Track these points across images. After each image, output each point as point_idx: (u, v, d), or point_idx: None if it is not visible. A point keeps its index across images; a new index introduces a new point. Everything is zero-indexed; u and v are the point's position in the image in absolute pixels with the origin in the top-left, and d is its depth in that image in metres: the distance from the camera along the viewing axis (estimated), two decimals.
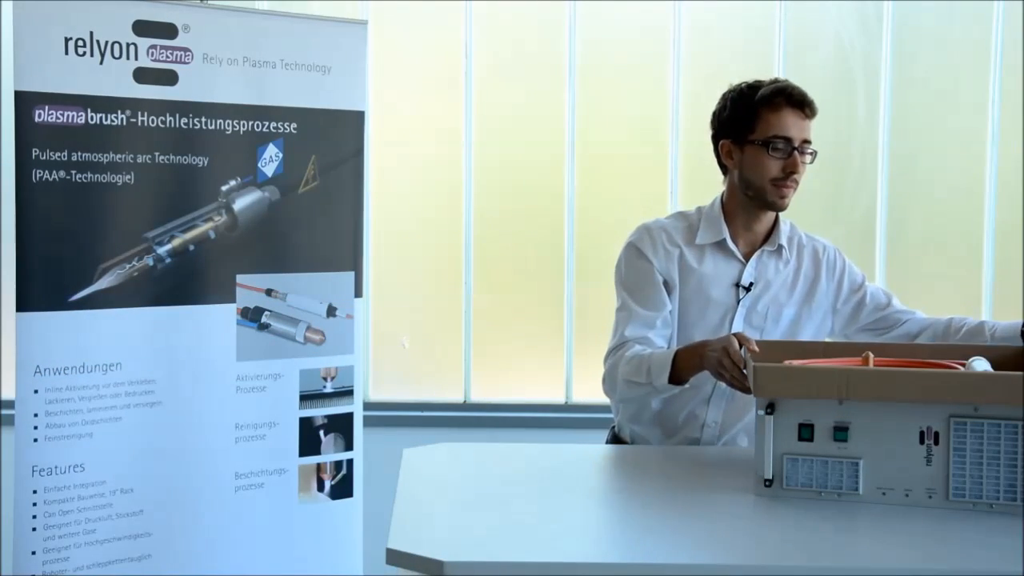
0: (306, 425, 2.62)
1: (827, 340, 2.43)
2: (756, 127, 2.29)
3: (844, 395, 1.83)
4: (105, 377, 2.36)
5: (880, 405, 1.83)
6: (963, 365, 1.98)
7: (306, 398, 2.61)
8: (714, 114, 2.40)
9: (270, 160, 2.53)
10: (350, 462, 2.68)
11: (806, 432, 1.86)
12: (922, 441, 1.82)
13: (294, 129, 2.55)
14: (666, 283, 2.36)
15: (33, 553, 2.31)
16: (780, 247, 2.39)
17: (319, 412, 2.64)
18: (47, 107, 2.27)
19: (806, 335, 2.40)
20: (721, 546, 1.74)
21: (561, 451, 2.33)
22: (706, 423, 2.36)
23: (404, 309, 3.61)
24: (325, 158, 2.59)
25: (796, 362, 1.99)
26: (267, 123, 2.52)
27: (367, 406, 2.80)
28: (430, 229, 3.61)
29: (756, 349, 2.07)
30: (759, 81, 2.35)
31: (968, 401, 1.79)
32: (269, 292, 2.55)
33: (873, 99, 3.52)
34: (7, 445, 2.41)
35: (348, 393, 2.67)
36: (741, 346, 2.08)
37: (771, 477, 1.87)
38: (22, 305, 2.28)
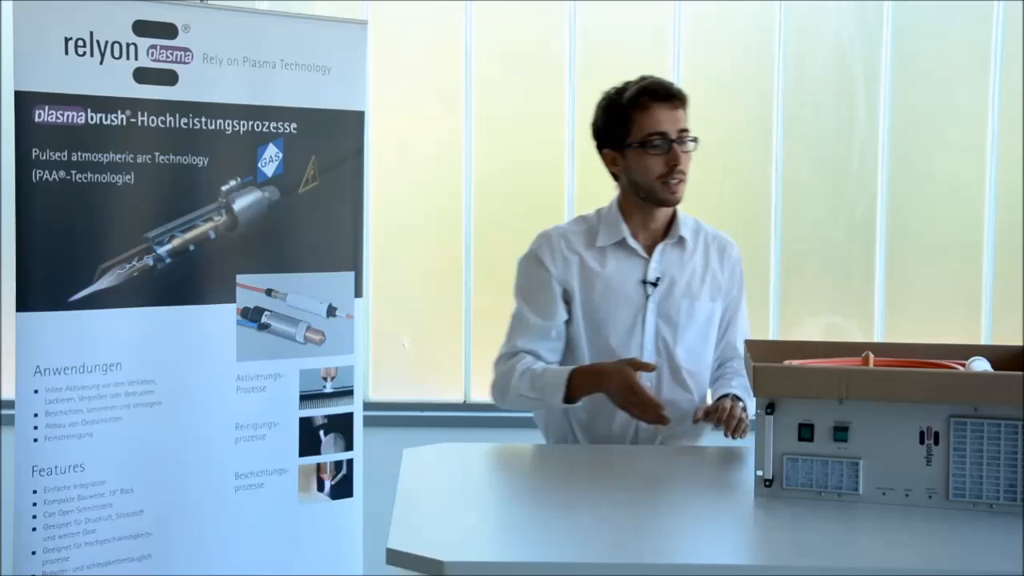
0: (306, 425, 2.62)
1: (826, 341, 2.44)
2: (631, 130, 2.31)
3: (844, 395, 1.83)
4: (105, 377, 2.36)
5: (880, 405, 1.83)
6: (963, 365, 1.98)
7: (306, 398, 2.61)
8: (591, 125, 2.43)
9: (270, 160, 2.53)
10: (350, 462, 2.68)
11: (806, 432, 1.86)
12: (922, 441, 1.82)
13: (294, 129, 2.55)
14: (565, 292, 2.38)
15: (33, 553, 2.30)
16: (681, 239, 2.40)
17: (319, 412, 2.64)
18: (47, 107, 2.27)
19: (714, 331, 2.43)
20: (721, 546, 1.74)
21: (561, 451, 2.33)
22: (639, 428, 2.36)
23: (404, 309, 3.61)
24: (325, 158, 2.59)
25: (796, 362, 1.99)
26: (267, 123, 2.52)
27: (367, 406, 2.80)
28: (430, 229, 3.61)
29: (654, 367, 2.13)
30: (626, 83, 2.37)
31: (968, 401, 1.79)
32: (269, 292, 2.55)
33: (873, 99, 3.52)
34: (7, 445, 2.41)
35: (348, 393, 2.67)
36: (638, 368, 2.13)
37: (771, 477, 1.87)
38: (22, 305, 2.28)
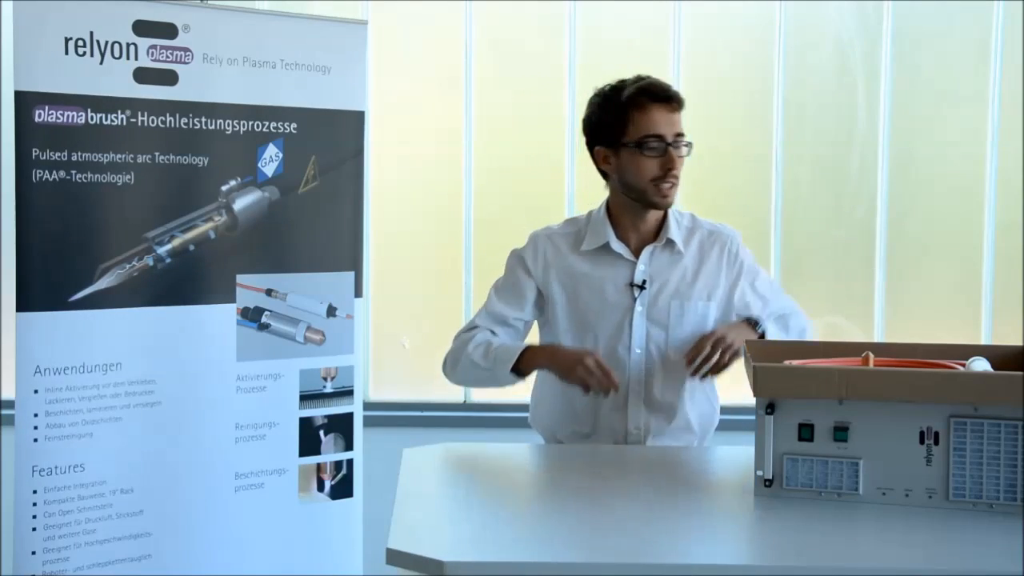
0: (306, 425, 2.62)
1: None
2: (627, 129, 2.30)
3: (844, 395, 1.83)
4: (105, 377, 2.36)
5: (880, 405, 1.83)
6: (963, 365, 1.98)
7: (306, 398, 2.61)
8: (584, 121, 2.41)
9: (270, 160, 2.53)
10: (350, 462, 2.68)
11: (806, 432, 1.86)
12: (922, 441, 1.82)
13: (294, 129, 2.55)
14: (541, 295, 2.39)
15: (33, 553, 2.31)
16: (670, 241, 2.38)
17: (319, 412, 2.64)
18: (47, 107, 2.27)
19: (710, 322, 2.38)
20: (721, 546, 1.74)
21: (561, 451, 2.33)
22: (628, 431, 2.36)
23: (404, 309, 3.61)
24: (325, 158, 2.59)
25: (796, 362, 1.99)
26: (267, 123, 2.52)
27: (367, 406, 2.80)
28: (430, 229, 3.61)
29: (616, 386, 2.20)
30: (622, 81, 2.35)
31: (968, 401, 1.79)
32: (269, 292, 2.55)
33: (873, 99, 3.52)
34: (7, 445, 2.41)
35: (348, 393, 2.67)
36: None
37: (771, 477, 1.87)
38: (22, 305, 2.28)
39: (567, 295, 2.37)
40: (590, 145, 2.40)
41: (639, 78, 2.34)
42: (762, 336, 2.30)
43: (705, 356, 2.23)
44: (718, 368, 2.24)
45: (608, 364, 2.25)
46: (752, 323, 2.33)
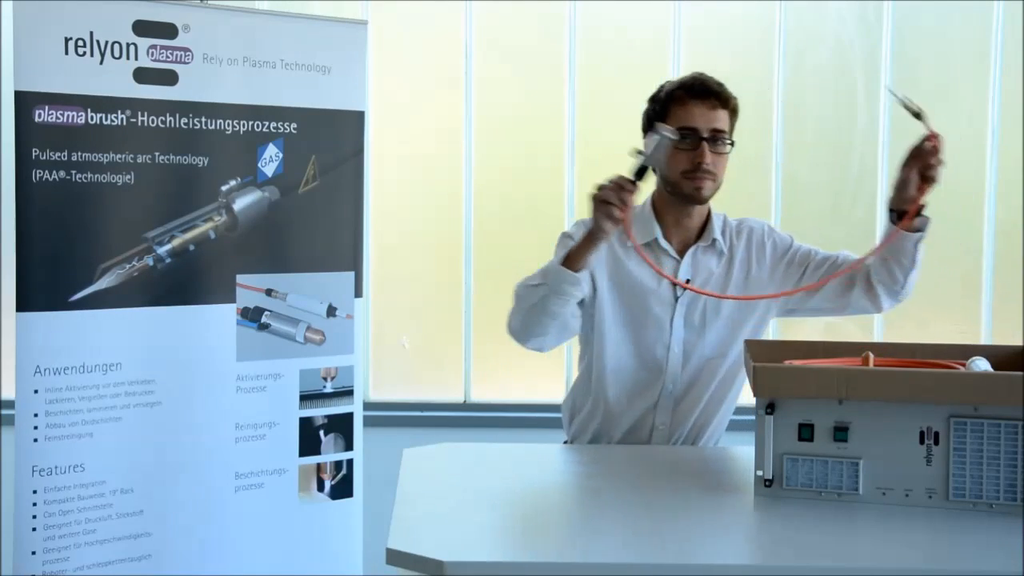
0: (306, 425, 2.62)
1: (824, 340, 2.43)
2: (666, 123, 2.28)
3: (844, 395, 1.83)
4: (105, 377, 2.36)
5: (880, 405, 1.83)
6: (963, 365, 1.98)
7: (306, 398, 2.61)
8: (642, 115, 2.41)
9: (270, 160, 2.53)
10: (350, 462, 2.68)
11: (806, 432, 1.86)
12: (922, 441, 1.82)
13: (294, 129, 2.55)
14: (592, 277, 2.34)
15: (33, 553, 2.30)
16: (714, 240, 2.38)
17: (319, 412, 2.64)
18: (47, 107, 2.27)
19: (750, 324, 2.38)
20: (721, 546, 1.74)
21: (561, 451, 2.33)
22: (655, 427, 2.37)
23: (404, 309, 3.61)
24: (325, 158, 2.59)
25: (796, 362, 1.99)
26: (267, 123, 2.52)
27: (367, 406, 2.80)
28: (430, 229, 3.61)
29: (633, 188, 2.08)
30: (680, 80, 2.37)
31: (968, 401, 1.79)
32: (269, 292, 2.55)
33: (873, 99, 3.52)
34: (7, 445, 2.41)
35: (348, 393, 2.67)
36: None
37: (771, 477, 1.87)
38: (22, 305, 2.28)
39: (612, 284, 2.36)
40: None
41: (693, 75, 2.35)
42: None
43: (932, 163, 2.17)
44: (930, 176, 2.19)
45: (646, 360, 2.32)
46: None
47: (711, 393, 2.38)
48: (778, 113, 3.50)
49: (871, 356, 1.97)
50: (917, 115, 2.08)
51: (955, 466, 1.80)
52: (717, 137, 2.30)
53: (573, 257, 2.18)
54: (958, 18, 3.52)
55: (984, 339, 3.51)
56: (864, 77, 3.53)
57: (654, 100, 2.37)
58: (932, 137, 2.12)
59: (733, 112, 2.35)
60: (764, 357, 2.02)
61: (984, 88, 3.51)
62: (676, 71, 3.47)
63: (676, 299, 2.36)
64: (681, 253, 2.38)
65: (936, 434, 1.81)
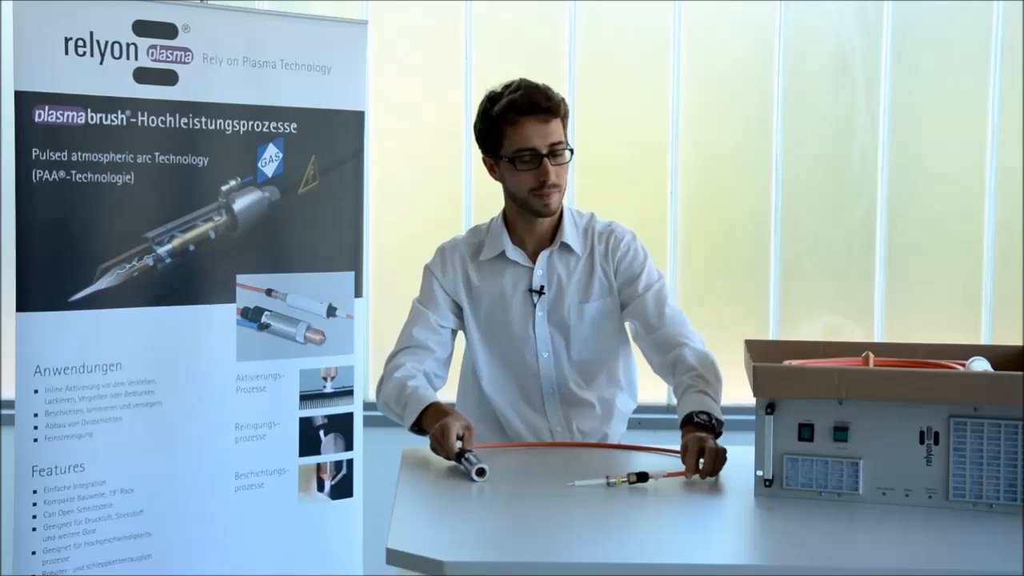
0: (306, 425, 2.62)
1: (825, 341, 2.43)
2: (502, 143, 2.29)
3: (844, 395, 1.83)
4: (105, 377, 2.36)
5: (880, 405, 1.83)
6: (963, 365, 1.98)
7: (306, 398, 2.61)
8: (473, 127, 2.38)
9: (270, 160, 2.53)
10: (350, 462, 2.68)
11: (806, 432, 1.86)
12: (922, 441, 1.82)
13: (294, 129, 2.55)
14: (455, 303, 2.40)
15: (33, 553, 2.31)
16: (565, 244, 2.37)
17: (319, 412, 2.64)
18: (47, 107, 2.27)
19: (613, 325, 2.38)
20: (721, 546, 1.74)
21: (561, 451, 2.33)
22: (552, 429, 2.38)
23: (404, 309, 3.60)
24: (325, 158, 2.59)
25: (796, 362, 1.99)
26: (267, 123, 2.52)
27: (367, 406, 2.79)
28: (430, 229, 3.60)
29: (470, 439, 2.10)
30: (505, 86, 2.31)
31: (968, 401, 1.79)
32: (269, 292, 2.55)
33: (873, 99, 3.52)
34: (7, 445, 2.41)
35: (348, 393, 2.67)
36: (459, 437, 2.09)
37: (771, 477, 1.87)
38: (22, 305, 2.28)
39: (472, 306, 2.39)
40: (482, 151, 2.38)
41: (516, 85, 2.30)
42: (711, 424, 2.13)
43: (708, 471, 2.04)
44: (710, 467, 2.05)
45: (520, 369, 2.35)
46: (696, 423, 2.14)
47: (599, 393, 2.38)
48: (778, 113, 3.49)
49: (871, 356, 1.97)
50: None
51: (955, 466, 1.80)
52: (555, 150, 2.27)
53: (425, 423, 2.19)
54: (958, 18, 3.52)
55: (984, 339, 3.51)
56: (864, 77, 3.53)
57: (484, 119, 2.31)
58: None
59: (564, 117, 2.31)
60: (764, 357, 2.02)
61: (984, 88, 3.51)
62: (676, 71, 3.47)
63: (534, 305, 2.36)
64: (534, 258, 2.38)
65: (936, 434, 1.81)
